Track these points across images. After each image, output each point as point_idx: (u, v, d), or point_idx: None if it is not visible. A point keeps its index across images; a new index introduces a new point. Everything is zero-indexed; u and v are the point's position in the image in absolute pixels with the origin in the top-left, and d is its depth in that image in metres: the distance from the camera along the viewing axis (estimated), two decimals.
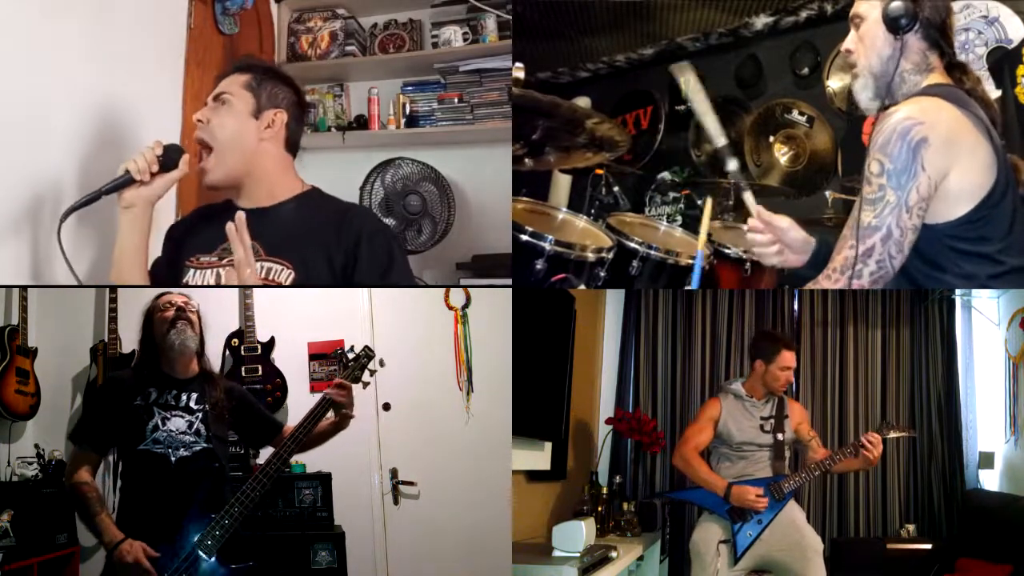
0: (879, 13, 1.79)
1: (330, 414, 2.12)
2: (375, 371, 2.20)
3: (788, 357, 2.81)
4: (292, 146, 2.13)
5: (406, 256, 2.23)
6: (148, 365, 2.12)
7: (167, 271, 2.10)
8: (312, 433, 2.08)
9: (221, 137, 2.01)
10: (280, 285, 1.96)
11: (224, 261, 1.99)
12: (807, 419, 2.91)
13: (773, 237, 1.93)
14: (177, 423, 2.03)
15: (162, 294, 2.14)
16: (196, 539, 1.87)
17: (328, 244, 1.98)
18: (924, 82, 1.81)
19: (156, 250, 2.15)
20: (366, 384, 2.18)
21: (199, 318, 2.16)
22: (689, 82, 2.11)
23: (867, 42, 1.82)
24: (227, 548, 1.89)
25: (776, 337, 2.92)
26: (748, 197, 2.02)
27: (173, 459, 1.99)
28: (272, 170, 2.08)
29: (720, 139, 2.05)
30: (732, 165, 2.09)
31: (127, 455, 2.04)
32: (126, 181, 1.95)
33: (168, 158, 1.99)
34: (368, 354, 2.19)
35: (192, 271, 2.04)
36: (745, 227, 2.01)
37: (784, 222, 1.93)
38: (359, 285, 2.03)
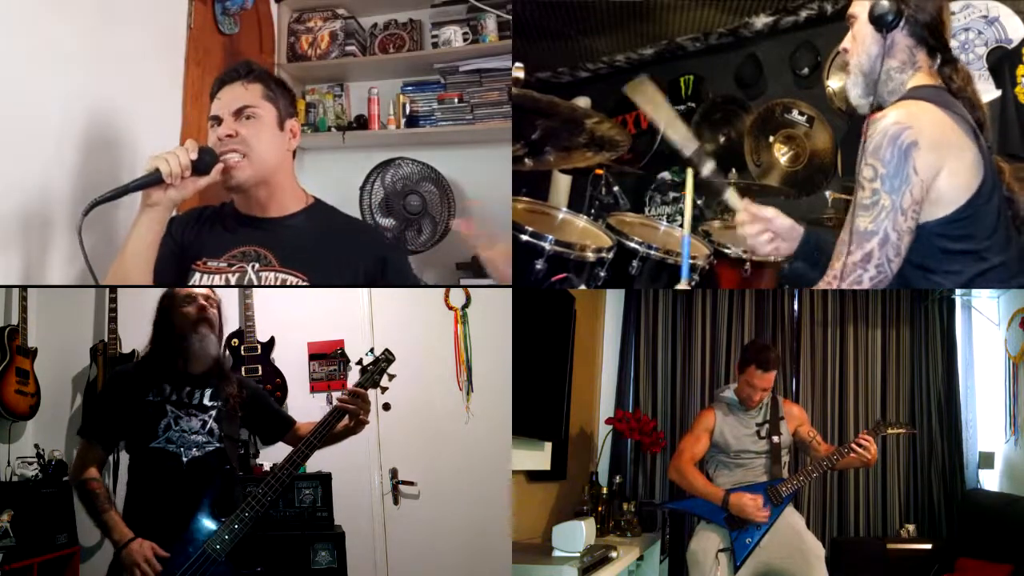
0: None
1: (346, 418, 2.08)
2: (394, 376, 2.14)
3: (755, 374, 2.74)
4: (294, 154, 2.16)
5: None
6: (162, 359, 2.08)
7: (169, 269, 2.05)
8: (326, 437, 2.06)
9: (257, 147, 1.98)
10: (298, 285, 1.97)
11: (234, 268, 1.98)
12: (807, 419, 2.90)
13: (763, 226, 1.96)
14: (191, 422, 2.02)
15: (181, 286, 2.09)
16: (206, 541, 1.86)
17: (341, 258, 1.99)
18: (909, 81, 1.83)
19: None
20: (384, 389, 2.13)
21: (220, 313, 2.13)
22: (648, 96, 2.11)
23: (858, 40, 1.86)
24: (236, 551, 1.89)
25: (760, 352, 2.81)
26: (731, 194, 2.05)
27: (185, 459, 1.98)
28: (287, 182, 2.09)
29: (690, 145, 2.06)
30: (707, 169, 2.09)
31: (137, 452, 2.02)
32: (155, 179, 1.85)
33: (202, 161, 1.90)
34: (388, 357, 2.14)
35: (198, 275, 2.02)
36: (736, 223, 2.03)
37: (769, 211, 1.98)
38: (354, 285, 2.03)
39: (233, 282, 1.99)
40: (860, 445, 2.63)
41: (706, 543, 2.69)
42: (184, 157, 1.86)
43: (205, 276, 2.02)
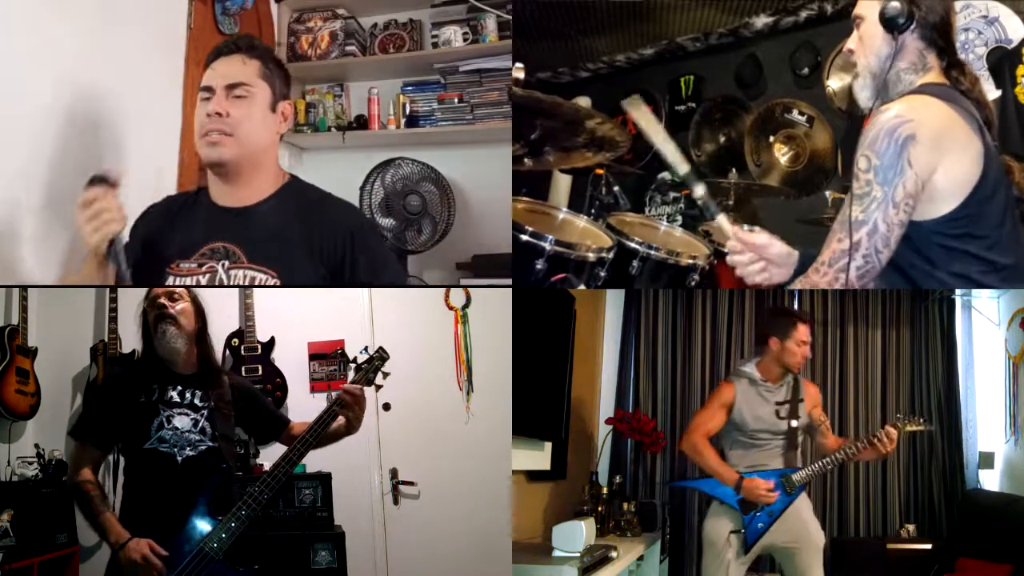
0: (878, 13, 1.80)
1: (341, 417, 2.07)
2: (389, 373, 2.13)
3: (804, 331, 2.77)
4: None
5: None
6: (150, 360, 2.08)
7: (143, 267, 1.98)
8: (321, 436, 2.05)
9: (245, 127, 1.91)
10: (277, 285, 1.94)
11: (204, 268, 1.94)
12: (820, 401, 2.89)
13: (754, 256, 1.93)
14: (183, 421, 2.00)
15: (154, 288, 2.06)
16: (203, 540, 1.86)
17: (311, 238, 1.93)
18: (919, 81, 1.81)
19: None
20: (379, 387, 2.13)
21: (194, 307, 2.08)
22: (642, 114, 2.09)
23: (866, 42, 1.84)
24: (232, 550, 1.88)
25: (789, 311, 2.87)
26: (722, 220, 2.01)
27: (179, 459, 1.97)
28: (269, 165, 2.02)
29: (682, 167, 2.03)
30: (699, 191, 2.06)
31: (131, 453, 2.02)
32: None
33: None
34: (382, 355, 2.13)
35: (172, 278, 1.98)
36: (727, 250, 1.99)
37: (763, 239, 1.94)
38: (353, 285, 2.02)
39: (204, 282, 1.94)
40: (884, 439, 2.62)
41: (719, 525, 2.70)
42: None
43: (179, 280, 1.97)
